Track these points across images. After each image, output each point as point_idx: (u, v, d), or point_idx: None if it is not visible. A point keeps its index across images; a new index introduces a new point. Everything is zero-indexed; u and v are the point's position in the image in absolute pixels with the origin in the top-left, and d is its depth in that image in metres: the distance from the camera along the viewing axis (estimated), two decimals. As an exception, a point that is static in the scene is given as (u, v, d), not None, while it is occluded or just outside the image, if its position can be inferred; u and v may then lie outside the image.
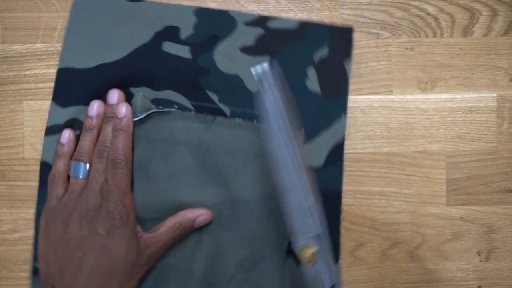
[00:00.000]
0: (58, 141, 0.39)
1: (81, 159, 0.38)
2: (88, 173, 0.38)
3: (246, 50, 0.40)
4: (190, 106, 0.40)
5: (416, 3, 0.41)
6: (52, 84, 0.41)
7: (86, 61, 0.40)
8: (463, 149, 0.42)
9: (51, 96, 0.41)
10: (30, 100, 0.41)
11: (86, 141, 0.38)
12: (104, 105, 0.39)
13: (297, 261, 0.40)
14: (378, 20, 0.41)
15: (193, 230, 0.39)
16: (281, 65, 0.40)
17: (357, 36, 0.41)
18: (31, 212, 0.41)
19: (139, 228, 0.38)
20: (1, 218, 0.41)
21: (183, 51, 0.40)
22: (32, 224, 0.41)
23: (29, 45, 0.41)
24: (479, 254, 0.42)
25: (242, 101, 0.40)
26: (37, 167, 0.41)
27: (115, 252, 0.36)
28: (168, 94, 0.40)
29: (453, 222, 0.42)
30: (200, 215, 0.39)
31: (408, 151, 0.41)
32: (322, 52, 0.40)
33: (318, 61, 0.40)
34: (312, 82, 0.40)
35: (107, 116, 0.39)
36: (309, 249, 0.33)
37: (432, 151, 0.41)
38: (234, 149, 0.40)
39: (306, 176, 0.34)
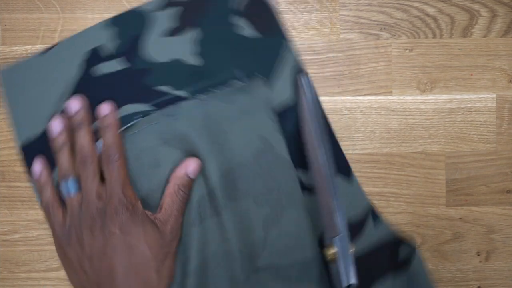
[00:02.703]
0: (33, 177, 0.39)
1: (67, 176, 0.37)
2: (79, 186, 0.37)
3: (171, 32, 0.40)
4: (152, 108, 0.40)
5: (416, 4, 0.41)
6: (52, 85, 0.41)
7: (41, 124, 0.40)
8: (462, 149, 0.42)
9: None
10: (30, 101, 0.41)
11: (63, 158, 0.37)
12: (65, 120, 0.38)
13: (311, 191, 0.41)
14: (378, 21, 0.42)
15: (192, 182, 0.38)
16: (211, 28, 0.40)
17: (356, 37, 0.41)
18: (31, 213, 0.41)
19: (148, 212, 0.37)
20: (1, 219, 0.41)
21: (116, 65, 0.40)
22: (32, 225, 0.41)
23: (29, 46, 0.41)
24: (478, 255, 0.42)
25: (193, 79, 0.40)
26: (37, 168, 0.41)
27: (138, 245, 0.35)
28: (126, 109, 0.40)
29: (452, 223, 0.42)
30: (188, 165, 0.38)
31: (408, 151, 0.42)
32: None
33: (243, 9, 0.41)
34: (248, 29, 0.41)
35: (76, 126, 0.38)
36: (330, 249, 0.36)
37: (431, 151, 0.42)
38: (208, 125, 0.40)
39: (335, 180, 0.37)
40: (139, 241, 0.35)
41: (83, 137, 0.37)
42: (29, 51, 0.41)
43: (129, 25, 0.40)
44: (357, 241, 0.41)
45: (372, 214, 0.41)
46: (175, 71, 0.40)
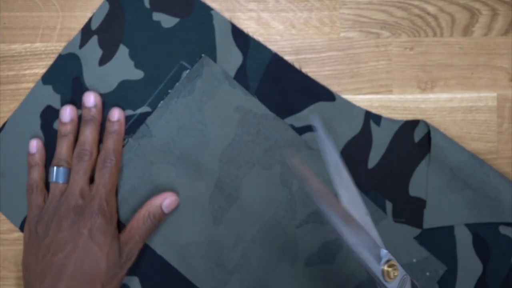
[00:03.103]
0: (28, 152, 0.39)
1: (60, 164, 0.38)
2: (68, 178, 0.38)
3: (102, 62, 0.40)
4: (124, 136, 0.40)
5: (416, 3, 0.41)
6: (51, 84, 0.41)
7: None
8: (463, 149, 0.41)
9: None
10: (30, 99, 0.41)
11: (63, 146, 0.38)
12: (77, 109, 0.39)
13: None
14: (378, 19, 0.41)
15: (164, 216, 0.39)
16: (133, 38, 0.40)
17: (357, 36, 0.41)
18: (30, 212, 0.41)
19: None
20: (1, 217, 0.41)
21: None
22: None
23: (28, 44, 0.41)
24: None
25: (146, 91, 0.40)
26: (36, 167, 0.41)
27: (97, 253, 0.35)
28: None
29: (453, 222, 0.42)
30: (165, 198, 0.38)
31: (408, 151, 0.41)
32: None
33: (150, 4, 0.41)
34: (165, 21, 0.41)
35: (86, 119, 0.39)
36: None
37: (432, 151, 0.41)
38: (181, 126, 0.40)
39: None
40: (101, 250, 0.35)
41: (89, 133, 0.38)
42: (28, 50, 0.41)
43: (62, 75, 0.40)
44: (371, 150, 0.40)
45: (372, 117, 0.41)
46: (127, 93, 0.40)
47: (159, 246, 0.39)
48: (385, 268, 0.31)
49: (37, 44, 0.41)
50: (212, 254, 0.39)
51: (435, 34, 0.41)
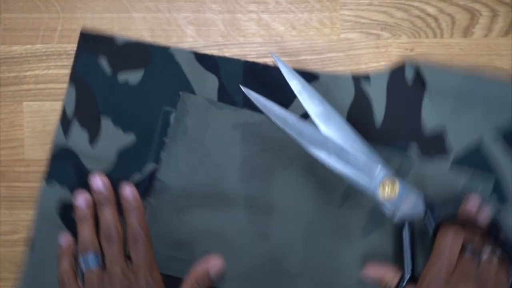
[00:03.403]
0: (58, 245, 0.39)
1: (88, 249, 0.37)
2: (100, 261, 0.37)
3: (92, 140, 0.40)
4: (145, 200, 0.40)
5: (416, 4, 0.41)
6: (52, 85, 0.41)
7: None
8: (463, 149, 0.41)
9: (50, 98, 0.41)
10: (30, 101, 0.41)
11: (86, 230, 0.38)
12: (88, 192, 0.39)
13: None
14: (379, 20, 0.41)
15: (213, 282, 0.38)
16: (113, 106, 0.40)
17: (357, 37, 0.41)
18: (31, 213, 0.41)
19: None
20: (1, 219, 0.41)
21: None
22: (32, 225, 0.41)
23: (29, 46, 0.41)
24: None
25: (145, 149, 0.41)
26: (37, 168, 0.41)
27: None
28: None
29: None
30: (209, 262, 0.38)
31: (409, 151, 0.41)
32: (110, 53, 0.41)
33: (111, 67, 0.41)
34: (131, 77, 0.41)
35: (101, 203, 0.38)
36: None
37: (432, 151, 0.41)
38: (189, 166, 0.40)
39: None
40: None
41: (109, 215, 0.38)
42: (28, 51, 0.41)
43: (61, 169, 0.40)
44: (373, 109, 0.40)
45: (361, 79, 0.40)
46: (128, 159, 0.40)
47: (221, 283, 0.39)
48: (381, 183, 0.31)
49: (38, 46, 0.41)
50: (274, 268, 0.39)
51: (435, 35, 0.41)
